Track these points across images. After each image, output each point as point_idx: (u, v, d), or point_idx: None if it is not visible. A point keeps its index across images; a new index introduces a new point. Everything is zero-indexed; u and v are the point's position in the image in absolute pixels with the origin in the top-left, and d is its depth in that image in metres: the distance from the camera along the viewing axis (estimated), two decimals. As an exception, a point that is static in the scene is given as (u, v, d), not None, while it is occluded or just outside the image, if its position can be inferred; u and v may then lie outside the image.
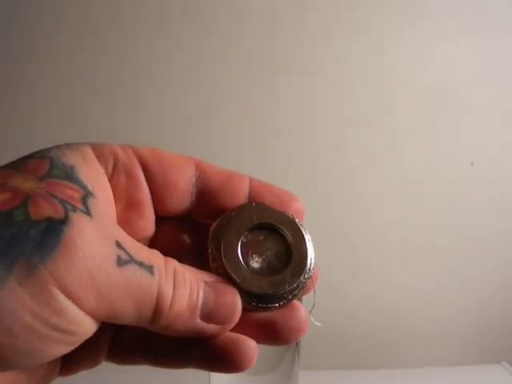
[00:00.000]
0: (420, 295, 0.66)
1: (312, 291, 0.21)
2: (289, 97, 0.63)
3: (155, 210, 0.20)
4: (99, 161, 0.19)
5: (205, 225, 0.21)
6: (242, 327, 0.19)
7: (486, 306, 0.67)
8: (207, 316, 0.18)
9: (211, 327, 0.18)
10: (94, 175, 0.18)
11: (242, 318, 0.19)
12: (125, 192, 0.19)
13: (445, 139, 0.64)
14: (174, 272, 0.17)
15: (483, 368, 0.60)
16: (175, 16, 0.61)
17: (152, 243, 0.21)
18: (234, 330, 0.19)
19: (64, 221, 0.15)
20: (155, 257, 0.17)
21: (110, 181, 0.19)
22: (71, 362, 0.19)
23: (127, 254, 0.16)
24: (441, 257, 0.66)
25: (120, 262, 0.16)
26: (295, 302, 0.19)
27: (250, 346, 0.18)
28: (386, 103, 0.63)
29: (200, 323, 0.18)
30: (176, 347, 0.19)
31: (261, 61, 0.62)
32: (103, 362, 0.21)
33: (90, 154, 0.19)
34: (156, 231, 0.21)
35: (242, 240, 0.20)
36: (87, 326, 0.16)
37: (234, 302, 0.18)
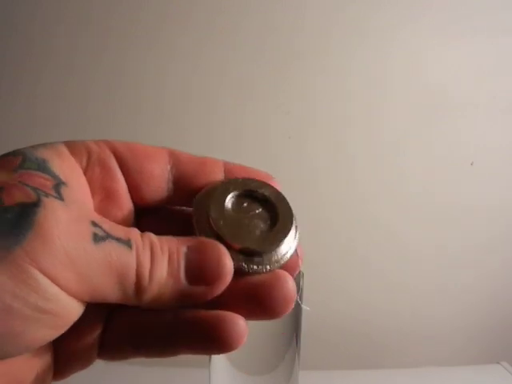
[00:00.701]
0: (420, 295, 0.66)
1: (298, 271, 0.20)
2: (288, 96, 0.63)
3: (133, 200, 0.20)
4: (73, 156, 0.19)
5: (185, 215, 0.21)
6: (229, 299, 0.18)
7: (486, 306, 0.67)
8: (194, 277, 0.17)
9: (201, 289, 0.18)
10: (67, 167, 0.18)
11: (229, 287, 0.18)
12: (100, 183, 0.19)
13: (445, 139, 0.64)
14: (151, 243, 0.17)
15: (483, 368, 0.60)
16: (175, 16, 0.61)
17: None
18: (222, 305, 0.18)
19: (37, 203, 0.15)
20: (132, 232, 0.17)
21: (84, 173, 0.19)
22: (63, 362, 0.19)
23: (103, 230, 0.16)
24: (441, 256, 0.66)
25: (97, 239, 0.16)
26: (282, 272, 0.19)
27: (240, 323, 0.18)
28: (386, 103, 0.63)
29: (189, 287, 0.17)
30: (166, 334, 0.19)
31: (260, 60, 0.62)
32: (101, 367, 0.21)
33: (63, 149, 0.19)
34: (137, 224, 0.21)
35: (226, 206, 0.19)
36: (70, 307, 0.16)
37: (221, 255, 0.18)
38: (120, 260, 0.16)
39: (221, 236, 0.18)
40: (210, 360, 0.41)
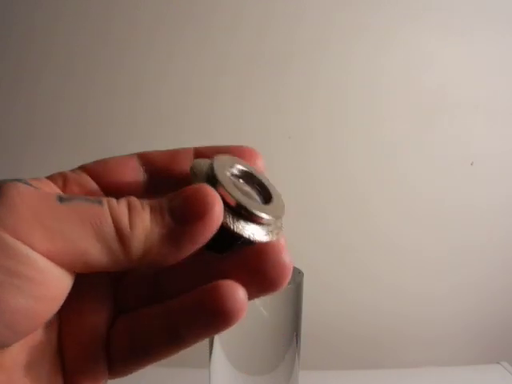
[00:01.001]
0: (420, 295, 0.66)
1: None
2: (286, 98, 0.63)
3: None
4: (50, 180, 0.19)
5: None
6: (223, 272, 0.18)
7: (486, 306, 0.67)
8: (181, 215, 0.17)
9: (193, 227, 0.16)
10: (43, 184, 0.19)
11: (221, 261, 0.18)
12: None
13: (445, 139, 0.64)
14: (128, 200, 0.17)
15: (483, 368, 0.60)
16: (174, 18, 0.61)
17: None
18: (220, 273, 0.18)
19: (1, 183, 0.16)
20: (104, 197, 0.17)
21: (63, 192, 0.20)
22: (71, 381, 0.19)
23: (69, 195, 0.16)
24: (441, 257, 0.66)
25: (62, 200, 0.16)
26: (276, 242, 0.18)
27: (239, 289, 0.17)
28: (386, 104, 0.63)
29: (178, 228, 0.17)
30: (167, 322, 0.18)
31: (258, 62, 0.62)
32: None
33: (41, 178, 0.19)
34: None
35: (227, 171, 0.19)
36: (50, 272, 0.15)
37: (207, 191, 0.17)
38: (90, 212, 0.16)
39: (217, 181, 0.18)
40: (210, 360, 0.41)
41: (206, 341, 0.41)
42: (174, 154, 0.21)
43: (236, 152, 0.20)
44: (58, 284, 0.16)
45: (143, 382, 0.54)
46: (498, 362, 0.60)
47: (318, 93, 0.63)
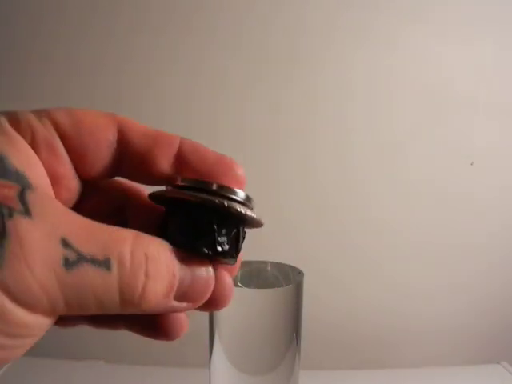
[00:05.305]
0: (420, 295, 0.66)
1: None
2: (289, 98, 0.63)
3: (80, 176, 0.19)
4: (18, 133, 0.17)
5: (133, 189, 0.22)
6: None
7: (486, 305, 0.67)
8: (182, 296, 0.17)
9: (183, 305, 0.18)
10: (24, 158, 0.17)
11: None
12: (49, 169, 0.18)
13: (445, 139, 0.64)
14: (146, 258, 0.16)
15: (483, 368, 0.60)
16: (175, 25, 0.61)
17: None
18: None
19: (2, 234, 0.14)
20: (114, 243, 0.16)
21: None
22: None
23: (75, 251, 0.15)
24: (441, 256, 0.66)
25: (68, 264, 0.15)
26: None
27: (181, 317, 0.19)
28: (386, 104, 0.63)
29: (173, 304, 0.17)
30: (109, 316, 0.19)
31: (260, 64, 0.62)
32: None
33: (10, 130, 0.17)
34: (84, 200, 0.20)
35: None
36: (42, 325, 0.15)
37: (209, 277, 0.18)
38: (95, 282, 0.15)
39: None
40: (210, 360, 0.41)
41: (205, 341, 0.41)
42: (156, 141, 0.19)
43: (218, 164, 0.19)
44: (47, 325, 0.16)
45: (143, 382, 0.54)
46: (498, 362, 0.60)
47: (320, 92, 0.63)
